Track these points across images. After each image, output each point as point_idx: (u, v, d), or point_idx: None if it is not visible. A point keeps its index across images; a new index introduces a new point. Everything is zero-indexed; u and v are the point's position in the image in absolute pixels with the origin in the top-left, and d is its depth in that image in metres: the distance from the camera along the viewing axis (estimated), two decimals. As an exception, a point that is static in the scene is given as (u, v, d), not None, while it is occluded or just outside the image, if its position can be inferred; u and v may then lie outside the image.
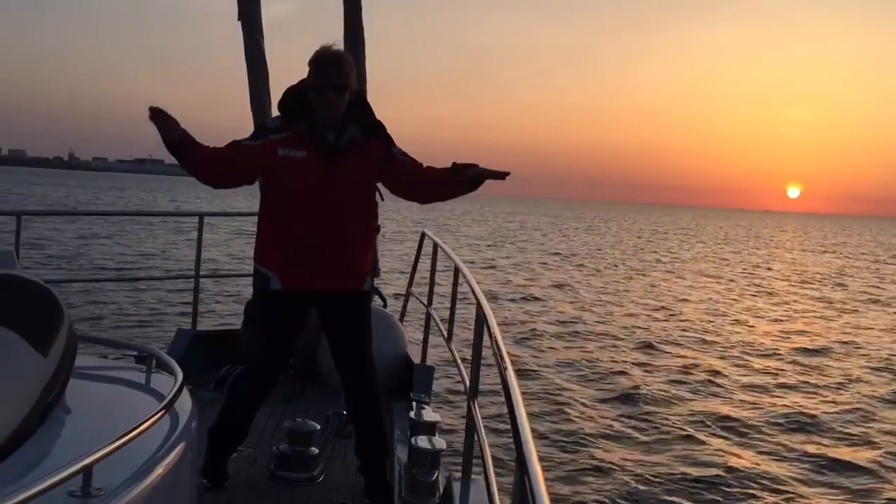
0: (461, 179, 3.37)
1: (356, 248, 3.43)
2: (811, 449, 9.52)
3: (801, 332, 18.61)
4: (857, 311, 23.67)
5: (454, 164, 3.41)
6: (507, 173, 3.33)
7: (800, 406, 11.46)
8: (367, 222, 3.49)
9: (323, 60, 3.30)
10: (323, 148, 3.32)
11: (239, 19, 5.79)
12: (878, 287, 31.40)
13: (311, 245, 3.32)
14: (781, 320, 20.70)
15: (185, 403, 2.30)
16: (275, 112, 3.56)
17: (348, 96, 3.33)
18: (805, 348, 16.34)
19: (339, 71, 3.29)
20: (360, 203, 3.44)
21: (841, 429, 10.45)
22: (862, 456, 9.37)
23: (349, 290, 3.47)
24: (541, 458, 1.65)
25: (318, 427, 4.02)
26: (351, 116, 3.38)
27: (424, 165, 3.51)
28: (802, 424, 10.51)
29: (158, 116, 3.15)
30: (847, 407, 11.61)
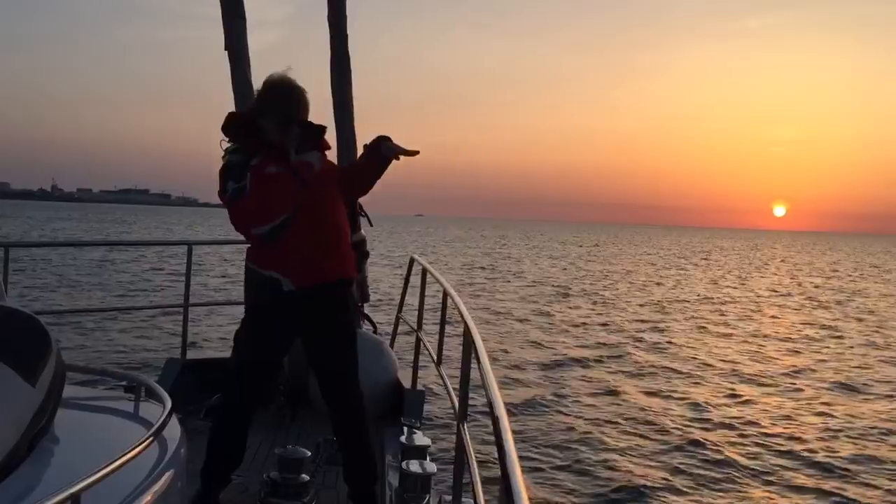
0: (376, 157, 3.60)
1: (337, 241, 3.65)
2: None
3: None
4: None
5: (365, 145, 3.65)
6: (417, 152, 3.56)
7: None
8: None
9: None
10: (290, 159, 3.56)
11: (226, 49, 5.83)
12: None
13: (304, 245, 3.52)
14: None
15: (174, 431, 2.31)
16: None
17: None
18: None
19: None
20: (329, 198, 3.64)
21: None
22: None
23: (335, 280, 3.64)
24: (527, 479, 1.67)
25: (309, 454, 4.01)
26: None
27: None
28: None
29: None
30: None
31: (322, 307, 3.62)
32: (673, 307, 27.20)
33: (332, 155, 3.88)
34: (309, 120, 3.61)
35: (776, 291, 36.35)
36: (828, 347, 19.35)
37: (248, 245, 3.73)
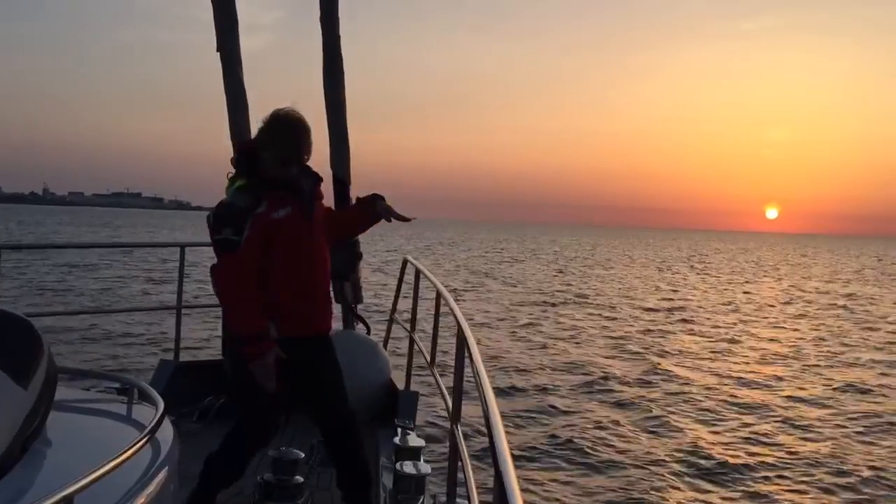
0: (369, 213, 3.65)
1: (329, 288, 3.66)
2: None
3: None
4: None
5: (359, 199, 3.70)
6: (412, 219, 3.65)
7: None
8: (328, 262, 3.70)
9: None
10: (303, 201, 3.48)
11: (218, 51, 5.82)
12: None
13: (307, 292, 3.47)
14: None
15: (167, 433, 2.31)
16: None
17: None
18: None
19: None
20: (325, 245, 3.62)
21: None
22: None
23: (328, 330, 3.63)
24: (520, 478, 1.67)
25: (303, 456, 4.00)
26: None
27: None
28: None
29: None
30: None
31: (311, 357, 3.55)
32: (692, 316, 25.33)
33: (324, 159, 3.87)
34: (308, 165, 3.56)
35: (793, 298, 34.17)
36: (862, 362, 17.61)
37: None
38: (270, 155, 3.40)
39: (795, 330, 23.06)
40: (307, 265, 3.46)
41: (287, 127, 3.41)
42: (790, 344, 20.07)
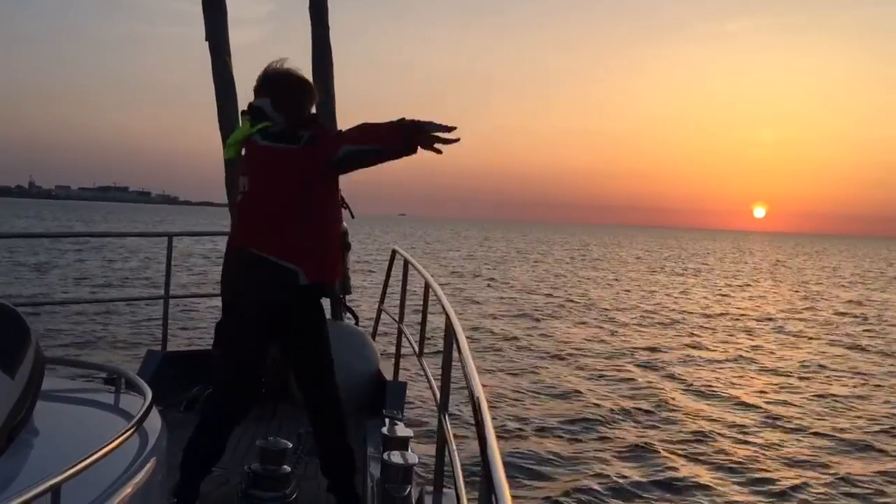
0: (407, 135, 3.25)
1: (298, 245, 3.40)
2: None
3: None
4: None
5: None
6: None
7: None
8: (317, 218, 3.42)
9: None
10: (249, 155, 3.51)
11: (206, 40, 5.80)
12: None
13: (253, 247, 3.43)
14: None
15: (155, 423, 2.31)
16: None
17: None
18: None
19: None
20: (295, 198, 3.35)
21: None
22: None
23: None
24: (507, 469, 1.69)
25: (291, 445, 4.01)
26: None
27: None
28: None
29: None
30: None
31: (277, 319, 3.51)
32: (697, 325, 22.48)
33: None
34: (317, 123, 3.63)
35: (802, 303, 31.29)
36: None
37: (228, 237, 3.74)
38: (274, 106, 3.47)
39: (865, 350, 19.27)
40: (243, 215, 3.48)
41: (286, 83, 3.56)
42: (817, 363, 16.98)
